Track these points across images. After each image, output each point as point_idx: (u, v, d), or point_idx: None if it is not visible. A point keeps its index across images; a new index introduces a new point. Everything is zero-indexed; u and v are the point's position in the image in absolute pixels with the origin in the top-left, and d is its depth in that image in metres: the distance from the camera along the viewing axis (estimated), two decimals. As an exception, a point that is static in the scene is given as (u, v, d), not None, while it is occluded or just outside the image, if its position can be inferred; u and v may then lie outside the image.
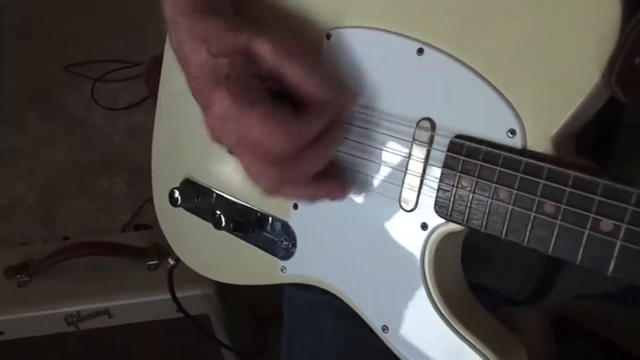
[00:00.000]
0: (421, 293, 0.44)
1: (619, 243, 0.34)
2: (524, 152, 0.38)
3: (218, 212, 0.55)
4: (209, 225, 0.56)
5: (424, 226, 0.43)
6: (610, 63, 0.35)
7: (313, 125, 0.41)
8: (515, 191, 0.38)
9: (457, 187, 0.41)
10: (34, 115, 1.75)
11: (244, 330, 0.96)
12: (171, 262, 0.69)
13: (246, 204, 0.55)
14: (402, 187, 0.44)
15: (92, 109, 1.72)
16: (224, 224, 0.55)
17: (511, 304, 0.70)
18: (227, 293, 0.84)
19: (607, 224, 0.34)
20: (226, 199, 0.57)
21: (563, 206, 0.36)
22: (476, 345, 0.42)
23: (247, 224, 0.54)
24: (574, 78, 0.36)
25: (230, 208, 0.56)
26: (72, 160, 1.64)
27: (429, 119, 0.42)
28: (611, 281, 0.55)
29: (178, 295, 0.78)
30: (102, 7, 1.97)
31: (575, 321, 1.13)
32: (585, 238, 0.35)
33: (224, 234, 0.56)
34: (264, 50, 0.41)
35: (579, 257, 0.36)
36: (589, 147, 0.43)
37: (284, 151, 0.40)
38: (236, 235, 0.56)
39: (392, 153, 0.45)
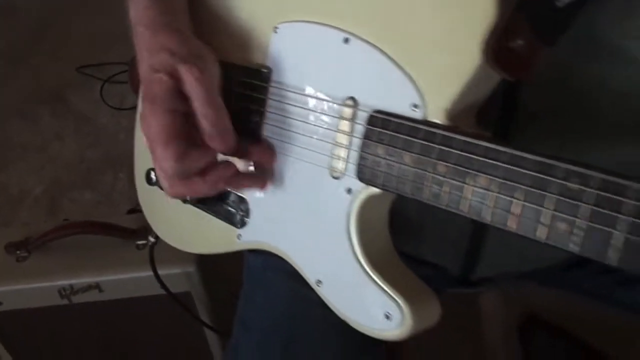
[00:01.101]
0: (347, 250, 0.50)
1: (494, 194, 0.40)
2: (424, 122, 0.44)
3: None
4: (178, 201, 0.64)
5: (349, 191, 0.50)
6: (489, 46, 0.41)
7: (196, 162, 0.50)
8: (416, 155, 0.44)
9: (374, 155, 0.47)
10: (46, 113, 1.85)
11: (227, 310, 1.02)
12: (151, 239, 0.76)
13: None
14: (331, 157, 0.51)
15: (100, 109, 1.82)
16: (188, 197, 0.62)
17: (460, 283, 0.76)
18: (208, 272, 0.90)
19: (484, 179, 0.41)
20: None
21: (452, 166, 0.42)
22: (390, 292, 0.48)
23: (208, 197, 0.61)
24: (460, 60, 0.42)
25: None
26: (80, 155, 1.73)
27: (353, 98, 0.49)
28: (536, 259, 0.61)
29: (161, 272, 0.85)
30: (117, 11, 2.06)
31: (546, 319, 1.17)
32: (468, 191, 0.41)
33: (191, 207, 0.63)
34: (184, 75, 0.50)
35: (466, 210, 0.42)
36: (492, 121, 0.50)
37: (171, 176, 0.50)
38: (201, 209, 0.63)
39: (323, 128, 0.51)
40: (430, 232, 0.59)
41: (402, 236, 0.61)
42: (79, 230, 0.90)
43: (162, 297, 0.89)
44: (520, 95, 0.49)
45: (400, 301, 0.48)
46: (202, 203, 0.62)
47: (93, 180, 1.61)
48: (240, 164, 0.56)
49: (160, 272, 0.85)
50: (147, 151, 0.70)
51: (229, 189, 0.58)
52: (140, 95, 0.54)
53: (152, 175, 0.66)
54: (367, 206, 0.50)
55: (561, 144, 0.50)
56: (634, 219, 0.34)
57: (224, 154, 0.53)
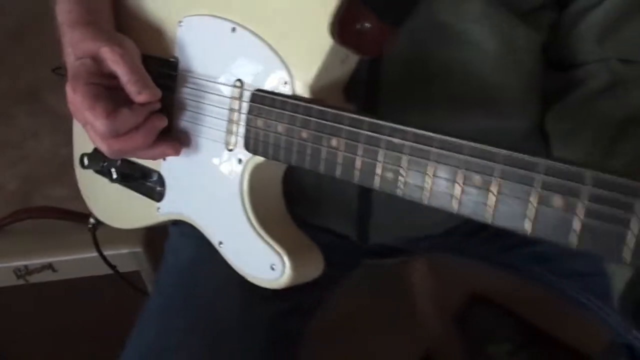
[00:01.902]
0: (241, 212, 0.57)
1: (341, 153, 0.48)
2: (292, 97, 0.52)
3: (112, 168, 0.70)
4: (107, 182, 0.71)
5: (240, 161, 0.57)
6: (337, 28, 0.49)
7: (124, 121, 0.56)
8: (286, 125, 0.52)
9: (255, 127, 0.54)
10: (22, 112, 1.93)
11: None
12: (91, 220, 0.83)
13: (136, 161, 0.69)
14: (226, 133, 0.58)
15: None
16: (114, 176, 0.69)
17: (375, 254, 0.83)
18: (156, 251, 0.97)
19: (335, 140, 0.48)
20: (123, 159, 0.71)
21: (311, 131, 0.50)
22: (274, 247, 0.55)
23: (130, 175, 0.68)
24: (316, 41, 0.50)
25: (125, 166, 0.70)
26: (54, 153, 1.80)
27: (240, 80, 0.56)
28: (425, 224, 0.68)
29: (110, 253, 0.91)
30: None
31: (493, 299, 1.24)
32: (323, 152, 0.49)
33: (118, 186, 0.70)
34: (105, 55, 0.56)
35: (323, 169, 0.49)
36: (361, 96, 0.57)
37: (105, 135, 0.55)
38: (126, 186, 0.70)
39: (219, 108, 0.59)
40: (325, 199, 0.66)
41: (304, 205, 0.68)
42: (34, 214, 0.96)
43: (113, 276, 0.96)
44: (382, 74, 0.56)
45: (282, 254, 0.55)
46: (126, 181, 0.69)
47: (66, 176, 1.67)
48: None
49: (109, 252, 0.91)
50: (80, 137, 0.78)
51: (160, 156, 0.64)
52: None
53: (85, 159, 0.73)
54: (257, 173, 0.57)
55: (423, 118, 0.57)
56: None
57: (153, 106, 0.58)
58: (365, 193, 0.63)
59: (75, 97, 0.56)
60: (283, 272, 0.55)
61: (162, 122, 0.58)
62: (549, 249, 0.69)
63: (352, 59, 0.52)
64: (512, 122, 0.60)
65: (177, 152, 0.61)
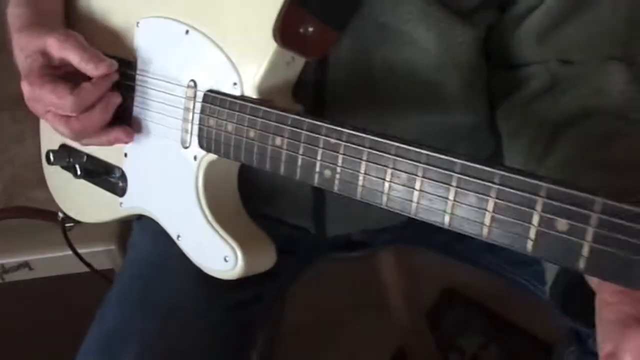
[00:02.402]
0: (197, 206, 0.60)
1: (284, 152, 0.50)
2: (240, 97, 0.54)
3: (77, 164, 0.72)
4: (72, 177, 0.73)
5: (195, 158, 0.60)
6: (280, 32, 0.51)
7: (89, 94, 0.58)
8: (235, 124, 0.54)
9: (208, 126, 0.57)
10: (6, 119, 1.94)
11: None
12: (60, 215, 0.85)
13: (99, 158, 0.71)
14: (182, 131, 0.60)
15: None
16: (79, 172, 0.71)
17: (335, 248, 0.86)
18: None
19: (279, 140, 0.51)
20: (88, 156, 0.73)
21: (258, 131, 0.52)
22: (227, 239, 0.58)
23: (94, 171, 0.70)
24: (261, 45, 0.53)
25: (89, 162, 0.72)
26: (37, 157, 1.81)
27: (194, 80, 0.59)
28: (378, 215, 0.71)
29: (84, 251, 0.93)
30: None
31: (464, 294, 1.30)
32: (268, 150, 0.52)
33: (83, 182, 0.73)
34: (52, 46, 0.58)
35: (269, 167, 0.52)
36: (310, 97, 0.60)
37: (72, 111, 0.57)
38: (91, 182, 0.72)
39: (174, 107, 0.61)
40: (281, 193, 0.69)
41: (262, 199, 0.71)
42: (11, 214, 0.99)
43: (90, 274, 0.98)
44: (328, 75, 0.59)
45: (234, 246, 0.58)
46: (90, 177, 0.71)
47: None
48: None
49: (84, 250, 0.93)
50: (47, 135, 0.80)
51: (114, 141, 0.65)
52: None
53: (51, 155, 0.75)
54: (211, 169, 0.60)
55: (368, 116, 0.60)
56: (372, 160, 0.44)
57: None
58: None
59: (34, 89, 0.59)
60: (235, 263, 0.58)
61: (117, 98, 0.61)
62: None
63: (298, 62, 0.55)
64: (456, 118, 0.63)
65: (129, 138, 0.63)
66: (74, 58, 0.59)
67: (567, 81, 0.58)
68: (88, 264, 0.96)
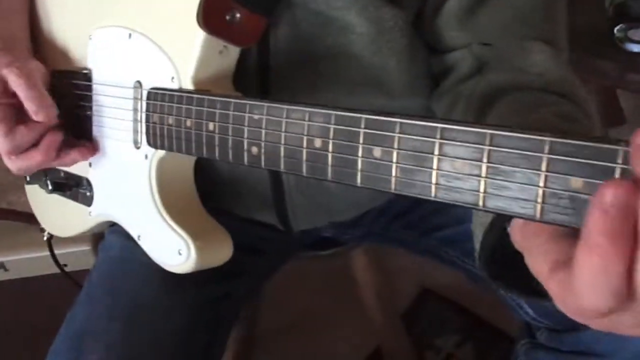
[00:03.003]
0: (152, 204, 0.61)
1: (217, 136, 0.51)
2: (178, 90, 0.56)
3: (48, 180, 0.74)
4: (44, 193, 0.75)
5: (146, 156, 0.61)
6: (206, 20, 0.53)
7: (22, 138, 0.60)
8: (174, 117, 0.55)
9: (153, 123, 0.58)
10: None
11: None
12: (46, 234, 0.87)
13: (67, 171, 0.73)
14: (133, 132, 0.62)
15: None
16: (50, 187, 0.73)
17: (307, 246, 0.86)
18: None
19: (212, 125, 0.51)
20: (59, 170, 0.75)
21: (193, 120, 0.53)
22: (181, 234, 0.59)
23: (64, 184, 0.72)
24: (191, 36, 0.54)
25: (59, 177, 0.74)
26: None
27: (139, 81, 0.60)
28: (339, 208, 0.71)
29: (60, 252, 0.93)
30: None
31: (440, 294, 1.34)
32: (204, 137, 0.52)
33: (55, 196, 0.75)
34: (8, 77, 0.60)
35: (205, 152, 0.53)
36: (254, 84, 0.61)
37: (7, 153, 0.60)
38: (62, 195, 0.74)
39: (125, 110, 0.62)
40: (243, 190, 0.70)
41: (228, 198, 0.72)
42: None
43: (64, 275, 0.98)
44: (271, 63, 0.60)
45: (187, 239, 0.58)
46: (61, 190, 0.73)
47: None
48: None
49: (60, 251, 0.93)
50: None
51: (71, 163, 0.67)
52: None
53: (27, 176, 0.77)
54: (162, 166, 0.60)
55: (313, 101, 0.60)
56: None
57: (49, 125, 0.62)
58: (276, 178, 0.66)
59: None
60: (189, 256, 0.58)
61: (57, 137, 0.63)
62: (456, 232, 0.71)
63: (232, 50, 0.56)
64: (401, 101, 0.63)
65: (85, 157, 0.65)
66: (20, 95, 0.61)
67: (491, 62, 0.58)
68: (61, 267, 0.96)
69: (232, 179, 0.69)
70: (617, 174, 0.29)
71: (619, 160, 0.29)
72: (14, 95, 0.62)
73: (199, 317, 0.66)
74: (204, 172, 0.68)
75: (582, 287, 0.29)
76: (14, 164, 0.63)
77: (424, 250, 0.81)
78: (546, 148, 0.31)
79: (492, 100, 0.53)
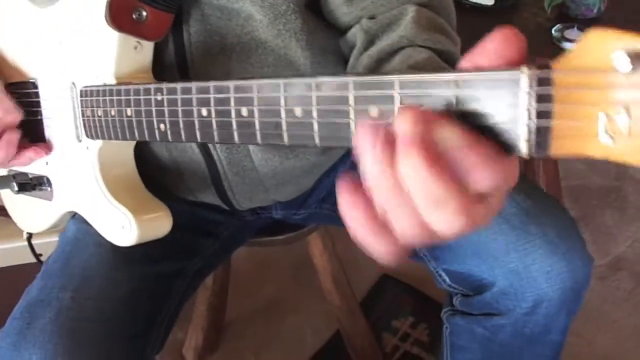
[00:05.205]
0: (97, 188, 0.69)
1: (133, 120, 0.59)
2: (102, 85, 0.63)
3: (13, 182, 0.82)
4: (13, 194, 0.83)
5: (87, 147, 0.69)
6: (115, 20, 0.60)
7: None
8: (101, 108, 0.63)
9: (87, 117, 0.66)
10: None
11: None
12: (25, 234, 0.95)
13: (30, 172, 0.81)
14: (74, 128, 0.70)
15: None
16: (15, 188, 0.81)
17: (261, 231, 0.93)
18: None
19: (129, 110, 0.59)
20: (26, 173, 0.83)
21: (115, 108, 0.61)
22: (122, 210, 0.66)
23: (27, 184, 0.80)
24: (105, 37, 0.62)
25: (21, 178, 0.82)
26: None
27: (73, 82, 0.68)
28: (277, 187, 0.78)
29: (37, 242, 1.02)
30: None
31: (397, 279, 1.45)
32: (125, 122, 0.60)
33: (23, 196, 0.83)
34: None
35: (127, 136, 0.61)
36: (176, 77, 0.68)
37: None
38: (28, 195, 0.82)
39: (66, 109, 0.71)
40: (184, 173, 0.77)
41: (172, 181, 0.79)
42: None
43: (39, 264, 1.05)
44: (187, 55, 0.67)
45: (128, 215, 0.66)
46: (26, 190, 0.81)
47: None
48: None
49: (37, 241, 1.01)
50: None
51: (29, 161, 0.75)
52: None
53: (-3, 181, 0.86)
54: (102, 153, 0.68)
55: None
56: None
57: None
58: (209, 158, 0.74)
59: None
60: (131, 229, 0.66)
61: (15, 135, 0.71)
62: None
63: (146, 45, 0.64)
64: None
65: (40, 155, 0.73)
66: None
67: (379, 34, 0.64)
68: (37, 256, 1.03)
69: (172, 163, 0.77)
70: (397, 101, 0.36)
71: (396, 88, 0.36)
72: None
73: (145, 288, 0.73)
74: (146, 159, 0.76)
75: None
76: None
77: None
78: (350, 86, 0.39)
79: (374, 72, 0.60)
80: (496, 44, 0.32)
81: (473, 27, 1.35)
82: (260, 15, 0.65)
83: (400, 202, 0.34)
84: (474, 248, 0.68)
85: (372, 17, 0.66)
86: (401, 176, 0.33)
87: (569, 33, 1.23)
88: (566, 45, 1.22)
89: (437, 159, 0.32)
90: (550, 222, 0.66)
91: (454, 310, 0.77)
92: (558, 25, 1.26)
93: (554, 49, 1.22)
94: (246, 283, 1.45)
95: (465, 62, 0.34)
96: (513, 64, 0.32)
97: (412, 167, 0.32)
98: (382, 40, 0.62)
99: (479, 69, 0.33)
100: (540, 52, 1.21)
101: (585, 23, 1.26)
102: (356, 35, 0.67)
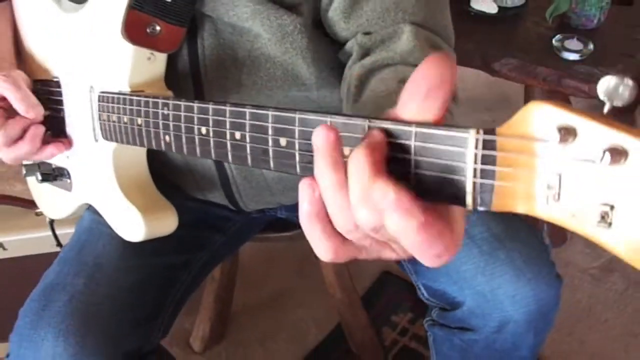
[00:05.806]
0: (112, 186, 0.74)
1: (144, 129, 0.63)
2: (119, 93, 0.68)
3: (37, 172, 0.88)
4: (37, 183, 0.89)
5: (103, 147, 0.74)
6: (130, 35, 0.65)
7: (12, 130, 0.72)
8: (116, 114, 0.68)
9: (104, 120, 0.71)
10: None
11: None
12: (48, 217, 1.01)
13: (52, 164, 0.87)
14: (92, 129, 0.75)
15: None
16: (39, 178, 0.87)
17: (267, 228, 0.97)
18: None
19: (140, 120, 0.64)
20: (49, 164, 0.89)
21: (127, 116, 0.66)
22: (133, 208, 0.72)
23: (50, 174, 0.86)
24: (123, 50, 0.66)
25: (45, 168, 0.88)
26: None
27: (92, 86, 0.73)
28: (283, 191, 0.82)
29: (59, 232, 1.09)
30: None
31: (398, 275, 1.47)
32: (136, 131, 0.65)
33: (47, 185, 0.89)
34: None
35: (138, 143, 0.65)
36: (190, 86, 0.73)
37: (2, 144, 0.73)
38: (51, 184, 0.88)
39: (85, 110, 0.75)
40: (196, 175, 0.82)
41: (188, 183, 0.84)
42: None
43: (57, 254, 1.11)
44: (201, 67, 0.72)
45: (138, 214, 0.71)
46: (48, 180, 0.87)
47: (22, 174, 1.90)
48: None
49: (59, 231, 1.08)
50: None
51: (50, 156, 0.80)
52: None
53: (24, 169, 0.91)
54: (117, 155, 0.73)
55: (241, 98, 0.72)
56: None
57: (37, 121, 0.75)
58: (219, 163, 0.78)
59: None
60: (139, 227, 0.71)
61: (40, 129, 0.75)
62: None
63: (159, 57, 0.68)
64: (314, 92, 0.74)
65: (61, 150, 0.78)
66: (10, 96, 0.74)
67: (372, 48, 0.67)
68: (60, 243, 1.10)
69: (184, 165, 0.81)
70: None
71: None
72: (3, 98, 0.75)
73: (154, 278, 0.79)
74: (160, 159, 0.80)
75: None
76: (6, 155, 0.75)
77: None
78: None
79: (365, 80, 0.63)
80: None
81: (477, 34, 1.37)
82: (269, 34, 0.69)
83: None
84: (447, 268, 0.72)
85: (367, 33, 0.68)
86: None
87: (568, 43, 1.25)
88: (566, 55, 1.24)
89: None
90: (518, 248, 0.69)
91: (434, 321, 0.81)
92: (558, 36, 1.27)
93: (555, 58, 1.24)
94: (252, 276, 1.50)
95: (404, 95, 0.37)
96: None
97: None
98: (376, 54, 0.65)
99: (437, 124, 0.37)
100: (541, 60, 1.23)
101: (585, 34, 1.28)
102: (351, 48, 0.70)
